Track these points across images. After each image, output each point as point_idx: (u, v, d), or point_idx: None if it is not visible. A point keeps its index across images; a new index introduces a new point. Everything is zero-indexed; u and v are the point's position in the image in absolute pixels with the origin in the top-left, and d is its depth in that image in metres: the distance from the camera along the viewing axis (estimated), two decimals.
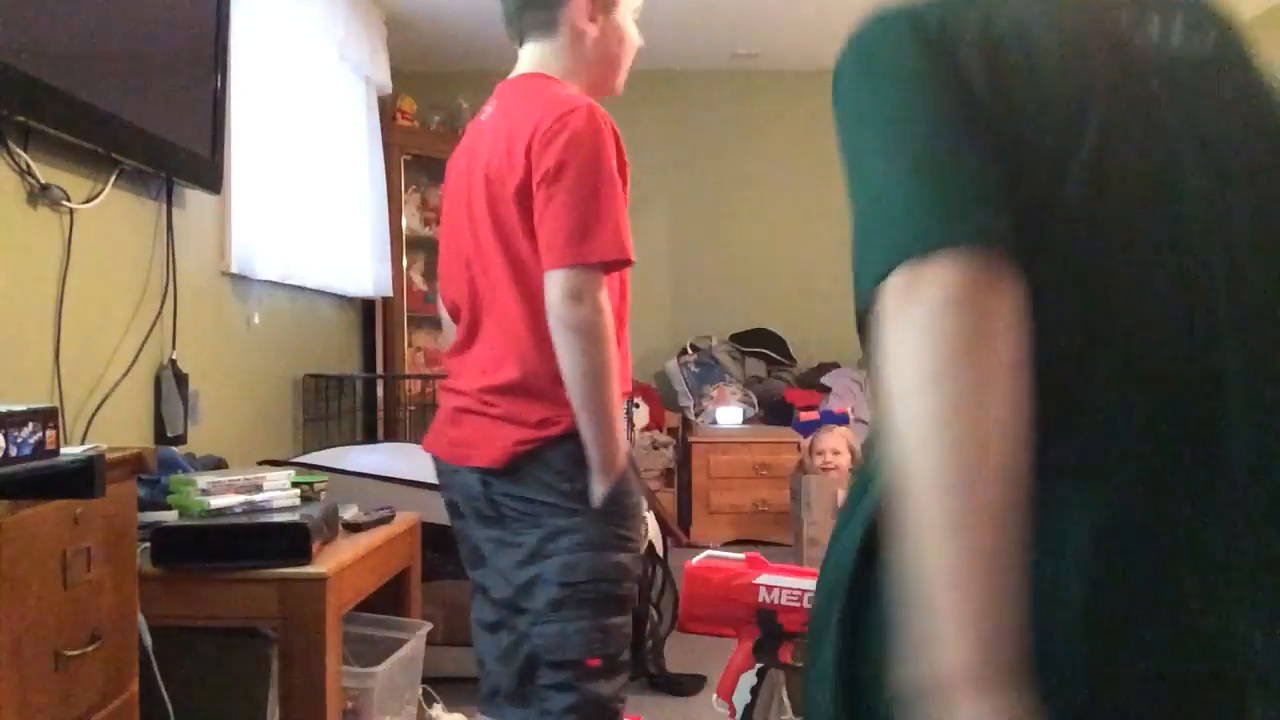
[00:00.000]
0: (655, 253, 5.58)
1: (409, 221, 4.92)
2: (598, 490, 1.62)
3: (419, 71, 5.24)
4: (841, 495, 3.10)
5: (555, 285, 1.58)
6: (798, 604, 1.88)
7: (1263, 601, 0.73)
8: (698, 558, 2.01)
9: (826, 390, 5.23)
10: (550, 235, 1.59)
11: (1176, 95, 0.80)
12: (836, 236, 5.38)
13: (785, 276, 5.67)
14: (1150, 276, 0.76)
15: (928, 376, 0.67)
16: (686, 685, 3.03)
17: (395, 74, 4.68)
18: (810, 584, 1.89)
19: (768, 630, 1.91)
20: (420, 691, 2.60)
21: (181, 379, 2.70)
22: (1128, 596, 0.72)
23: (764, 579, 1.91)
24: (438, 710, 2.64)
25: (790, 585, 1.90)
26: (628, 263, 1.63)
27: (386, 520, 2.47)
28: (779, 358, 5.55)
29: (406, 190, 4.91)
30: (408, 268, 4.90)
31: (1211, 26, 0.85)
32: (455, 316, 1.79)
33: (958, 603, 0.66)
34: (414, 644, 2.53)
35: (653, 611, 3.06)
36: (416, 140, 4.92)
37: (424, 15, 4.64)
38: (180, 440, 2.68)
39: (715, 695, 1.97)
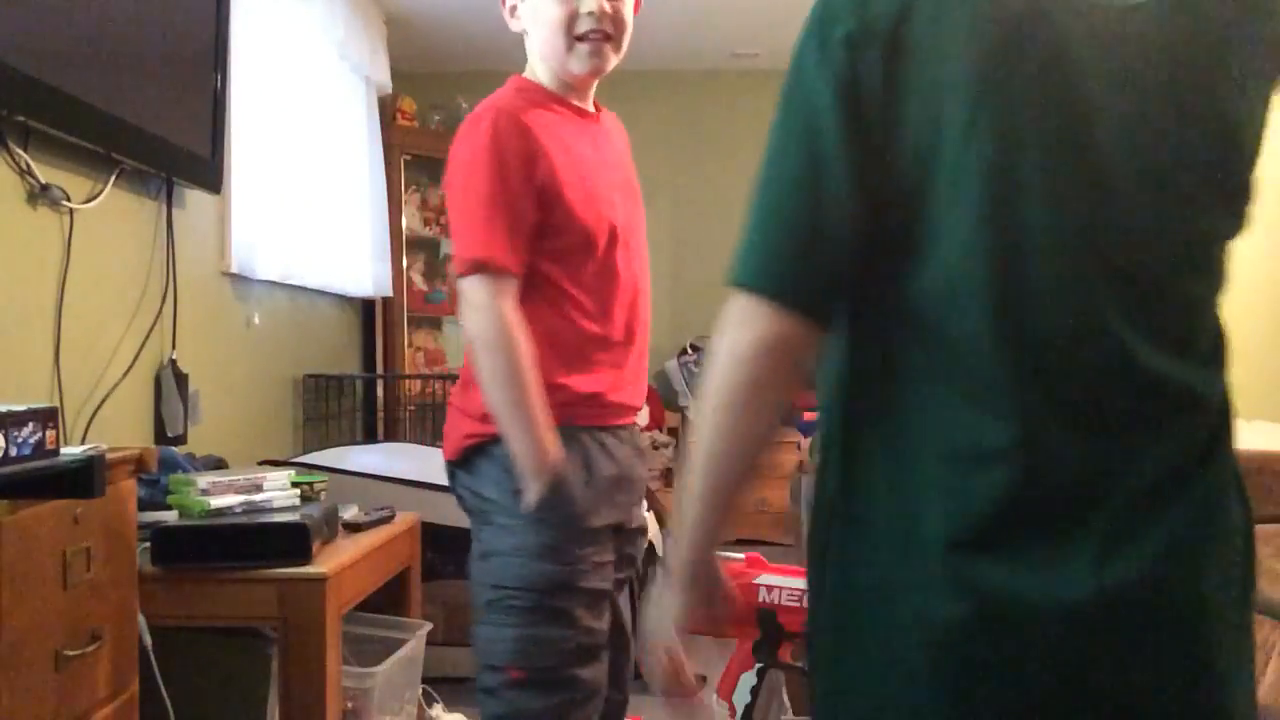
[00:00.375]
0: (655, 253, 5.54)
1: (409, 221, 4.92)
2: (526, 495, 1.59)
3: (419, 71, 5.24)
4: None
5: (460, 296, 1.62)
6: (798, 604, 1.88)
7: None
8: None
9: None
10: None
11: (1092, 34, 0.82)
12: None
13: None
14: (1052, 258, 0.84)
15: (719, 401, 0.92)
16: None
17: (395, 74, 4.67)
18: None
19: (768, 630, 1.90)
20: (420, 691, 2.60)
21: (181, 379, 2.70)
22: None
23: (764, 579, 1.91)
24: (438, 710, 2.64)
25: (790, 585, 1.89)
26: (497, 263, 1.57)
27: (386, 520, 2.47)
28: None
29: (406, 190, 4.92)
30: (408, 268, 4.90)
31: None
32: None
33: (691, 527, 0.99)
34: (414, 644, 2.53)
35: None
36: (416, 140, 4.93)
37: (424, 15, 4.63)
38: (180, 440, 2.68)
39: (715, 695, 1.97)
